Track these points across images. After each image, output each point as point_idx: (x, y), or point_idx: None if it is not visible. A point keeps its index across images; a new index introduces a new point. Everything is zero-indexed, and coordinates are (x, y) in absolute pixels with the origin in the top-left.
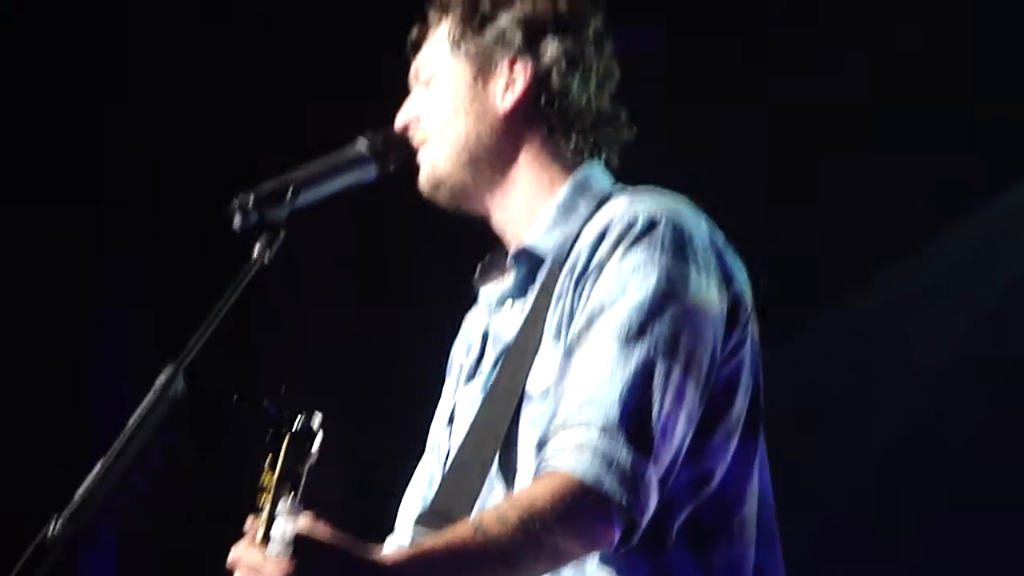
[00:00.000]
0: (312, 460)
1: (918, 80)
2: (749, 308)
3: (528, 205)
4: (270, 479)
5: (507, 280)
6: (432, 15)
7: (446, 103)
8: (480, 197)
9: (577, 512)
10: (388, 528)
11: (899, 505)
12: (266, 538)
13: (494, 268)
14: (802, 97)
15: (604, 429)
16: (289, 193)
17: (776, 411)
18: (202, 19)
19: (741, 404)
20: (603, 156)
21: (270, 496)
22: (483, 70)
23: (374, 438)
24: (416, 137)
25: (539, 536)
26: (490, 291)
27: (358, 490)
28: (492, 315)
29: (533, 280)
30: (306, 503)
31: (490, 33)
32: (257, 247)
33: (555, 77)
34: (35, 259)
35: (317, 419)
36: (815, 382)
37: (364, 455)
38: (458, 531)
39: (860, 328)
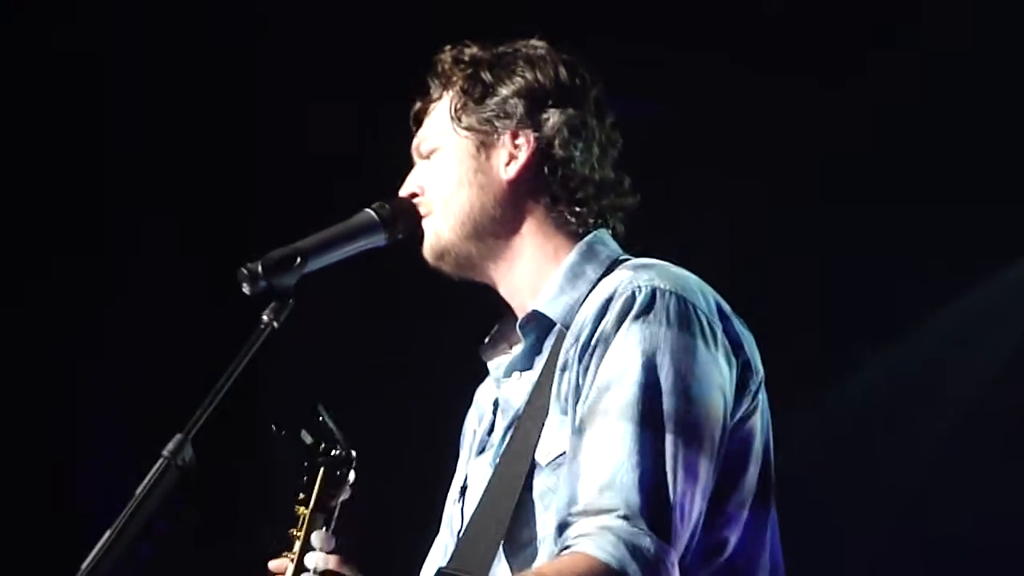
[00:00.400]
0: (345, 495)
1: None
2: (759, 375)
3: (533, 274)
4: (304, 511)
5: (515, 350)
6: (433, 87)
7: (450, 175)
8: (485, 267)
9: None
10: None
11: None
12: (300, 569)
13: (502, 338)
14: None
15: (626, 516)
16: (297, 261)
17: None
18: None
19: (753, 472)
20: (609, 224)
21: (304, 529)
22: (486, 142)
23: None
24: (421, 209)
25: None
26: (498, 362)
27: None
28: (501, 386)
29: (540, 349)
30: (338, 537)
31: (492, 105)
32: (265, 314)
33: (558, 147)
34: (34, 324)
35: (352, 453)
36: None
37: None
38: None
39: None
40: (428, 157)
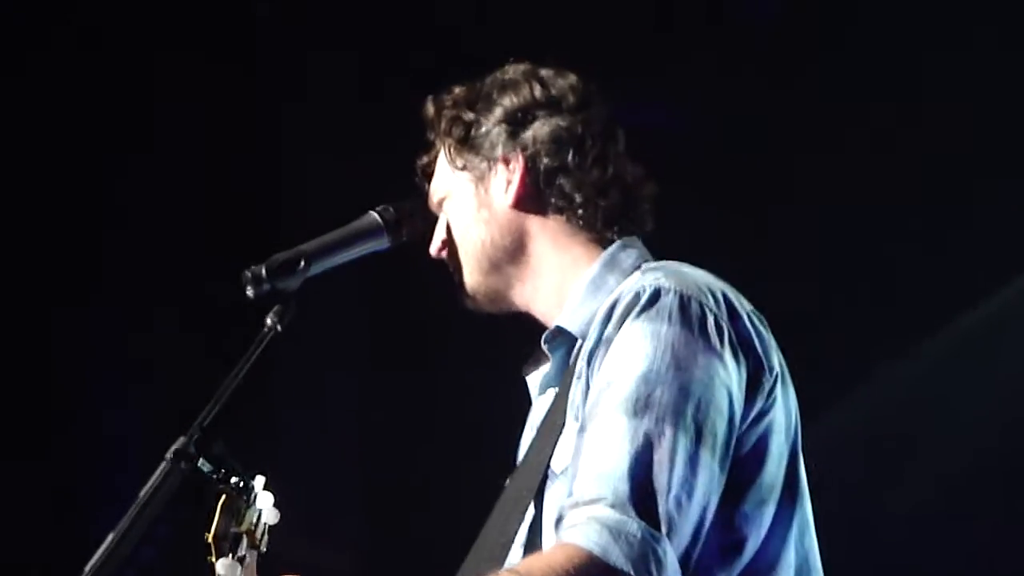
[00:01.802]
0: (256, 520)
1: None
2: (775, 374)
3: (558, 288)
4: (209, 539)
5: (549, 366)
6: (434, 140)
7: (459, 219)
8: (513, 295)
9: None
10: None
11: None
12: None
13: (543, 356)
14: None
15: (613, 504)
16: (301, 264)
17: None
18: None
19: (773, 471)
20: (630, 222)
21: (212, 557)
22: (482, 177)
23: (393, 501)
24: (448, 261)
25: None
26: (535, 379)
27: (374, 558)
28: (536, 402)
29: (567, 363)
30: (265, 564)
31: (478, 140)
32: (269, 317)
33: (544, 157)
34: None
35: (258, 481)
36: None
37: (381, 519)
38: None
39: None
40: (441, 208)
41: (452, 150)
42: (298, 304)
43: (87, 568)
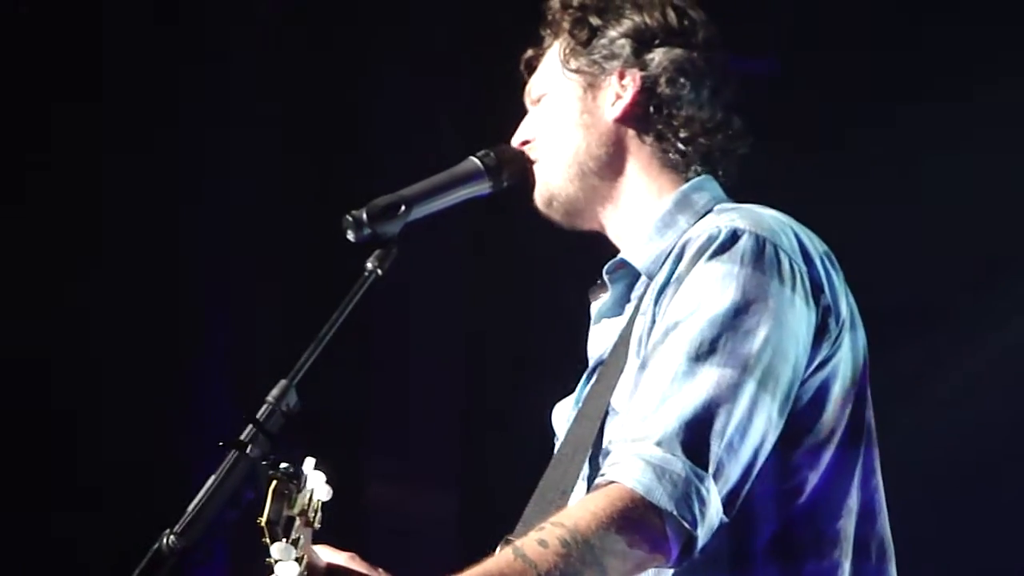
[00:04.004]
0: (309, 501)
1: None
2: (845, 319)
3: (638, 215)
4: (262, 523)
5: (607, 295)
6: (545, 35)
7: (558, 119)
8: (592, 211)
9: (627, 524)
10: None
11: None
12: None
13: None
14: None
15: (660, 442)
16: (401, 208)
17: None
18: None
19: (836, 415)
20: (719, 168)
21: (267, 539)
22: (593, 84)
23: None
24: (531, 155)
25: (582, 557)
26: (596, 305)
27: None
28: (593, 330)
29: (629, 297)
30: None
31: (599, 47)
32: (370, 261)
33: (664, 85)
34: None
35: (308, 463)
36: None
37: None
38: (498, 559)
39: None
40: (538, 103)
41: (569, 50)
42: (399, 249)
43: (188, 509)
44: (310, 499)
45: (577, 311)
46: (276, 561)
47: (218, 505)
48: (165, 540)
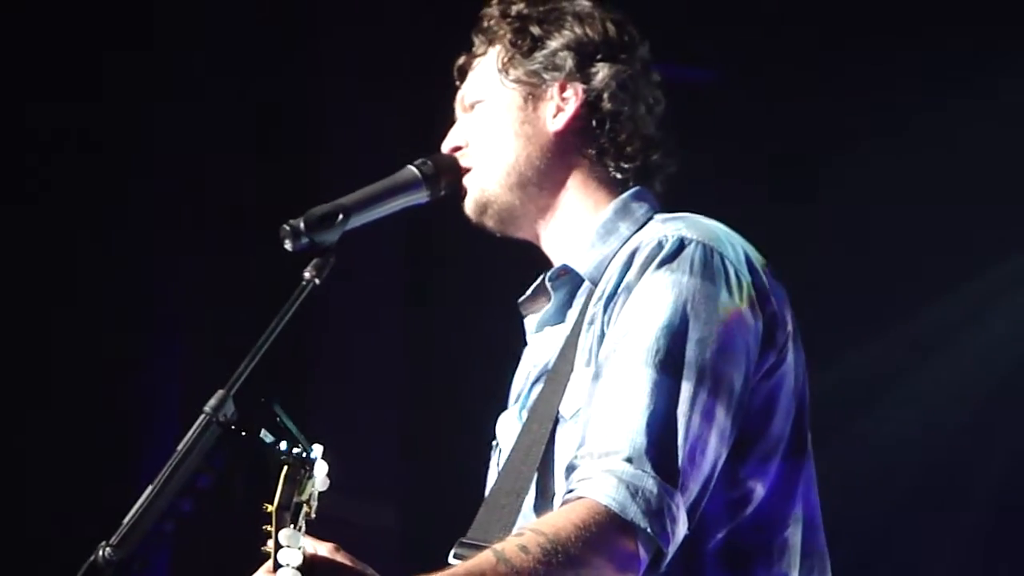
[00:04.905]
0: (312, 489)
1: None
2: (789, 329)
3: (573, 228)
4: (271, 509)
5: (549, 304)
6: (478, 42)
7: (496, 128)
8: (528, 221)
9: (602, 540)
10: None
11: None
12: (276, 564)
13: (542, 293)
14: None
15: (631, 458)
16: (339, 217)
17: None
18: None
19: (781, 425)
20: (653, 184)
21: (273, 526)
22: (534, 94)
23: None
24: (463, 163)
25: (561, 566)
26: (534, 317)
27: (409, 515)
28: (533, 341)
29: (571, 304)
30: (317, 531)
31: (540, 58)
32: (307, 271)
33: (607, 100)
34: (91, 279)
35: (317, 450)
36: None
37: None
38: (479, 561)
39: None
40: (472, 109)
41: (509, 59)
42: (336, 257)
43: (125, 520)
44: (314, 487)
45: (516, 323)
46: (282, 547)
47: (155, 515)
48: (100, 552)
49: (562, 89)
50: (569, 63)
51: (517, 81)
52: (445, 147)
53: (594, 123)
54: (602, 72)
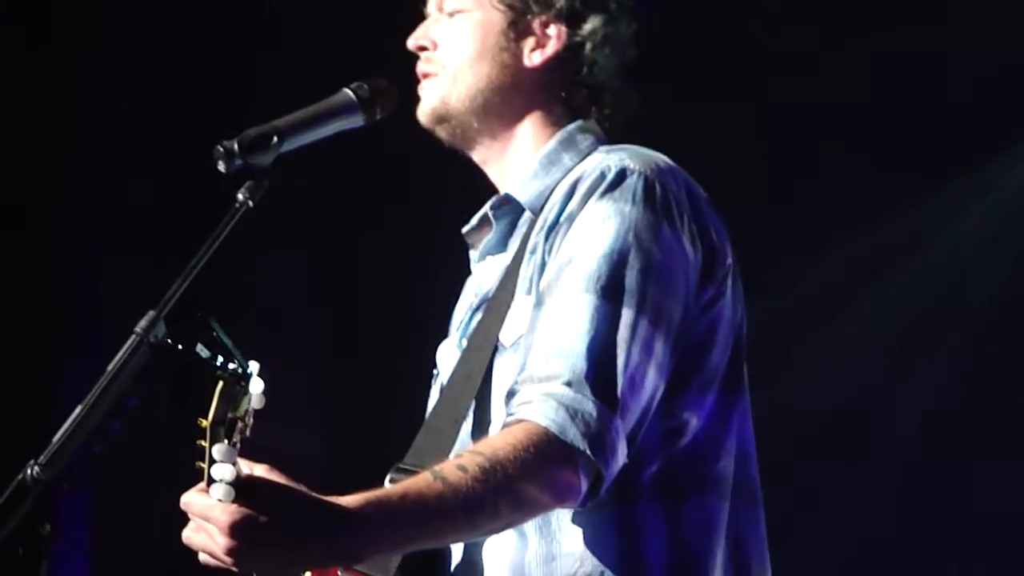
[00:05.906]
0: (248, 406)
1: None
2: (728, 262)
3: (519, 159)
4: (205, 424)
5: (491, 234)
6: None
7: (472, 43)
8: (481, 143)
9: (541, 462)
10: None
11: None
12: (209, 480)
13: (485, 223)
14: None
15: (570, 382)
16: (274, 140)
17: None
18: None
19: (718, 358)
20: (605, 125)
21: (207, 442)
22: (518, 23)
23: (351, 388)
24: (427, 64)
25: (499, 485)
26: (479, 246)
27: (335, 442)
28: (475, 270)
29: (512, 233)
30: (251, 450)
31: None
32: (240, 193)
33: (587, 50)
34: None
35: (253, 367)
36: None
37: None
38: (417, 479)
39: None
40: (450, 15)
41: None
42: (270, 180)
43: (54, 440)
44: (249, 404)
45: (456, 252)
46: (215, 462)
47: (84, 435)
48: (29, 471)
49: (544, 26)
50: (560, 2)
51: (505, 4)
52: (411, 42)
53: (571, 69)
54: (591, 22)
